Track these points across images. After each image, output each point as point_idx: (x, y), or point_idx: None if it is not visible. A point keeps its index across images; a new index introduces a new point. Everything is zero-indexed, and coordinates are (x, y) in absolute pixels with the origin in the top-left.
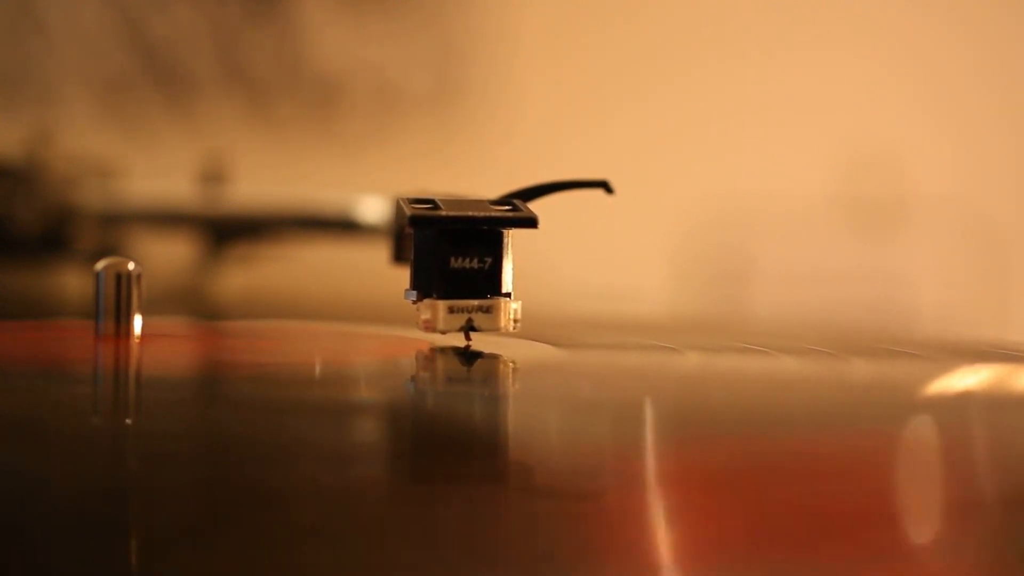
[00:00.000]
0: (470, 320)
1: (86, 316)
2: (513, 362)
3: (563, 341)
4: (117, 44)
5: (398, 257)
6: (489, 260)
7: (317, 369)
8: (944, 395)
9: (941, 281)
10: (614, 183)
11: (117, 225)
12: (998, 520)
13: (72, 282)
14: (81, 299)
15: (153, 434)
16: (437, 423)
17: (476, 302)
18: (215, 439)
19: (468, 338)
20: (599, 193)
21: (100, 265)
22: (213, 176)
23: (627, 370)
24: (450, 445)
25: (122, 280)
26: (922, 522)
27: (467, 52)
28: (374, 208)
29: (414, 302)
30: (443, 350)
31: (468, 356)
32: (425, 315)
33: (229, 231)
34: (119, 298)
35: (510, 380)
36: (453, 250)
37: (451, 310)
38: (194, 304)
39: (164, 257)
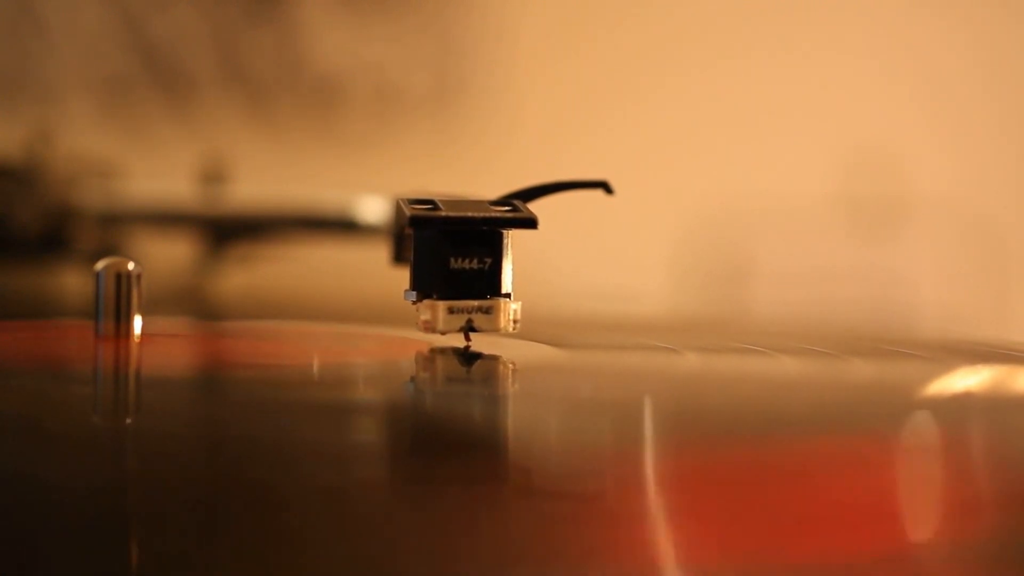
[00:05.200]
0: (470, 321)
1: (86, 316)
2: (513, 363)
3: (563, 341)
4: (117, 44)
5: (398, 257)
6: (489, 261)
7: (317, 369)
8: (944, 395)
9: (941, 281)
10: (614, 183)
11: (117, 225)
12: (998, 520)
13: (72, 282)
14: (81, 299)
15: (153, 434)
16: (437, 424)
17: (476, 303)
18: (215, 439)
19: (468, 339)
20: (599, 193)
21: (100, 265)
22: (213, 176)
23: (627, 370)
24: (450, 446)
25: (122, 280)
26: (922, 522)
27: (467, 52)
28: (374, 208)
29: (414, 302)
30: (443, 351)
31: (468, 357)
32: (425, 316)
33: (229, 231)
34: (119, 298)
35: (509, 381)
36: (453, 250)
37: (451, 311)
38: (194, 304)
39: (164, 257)
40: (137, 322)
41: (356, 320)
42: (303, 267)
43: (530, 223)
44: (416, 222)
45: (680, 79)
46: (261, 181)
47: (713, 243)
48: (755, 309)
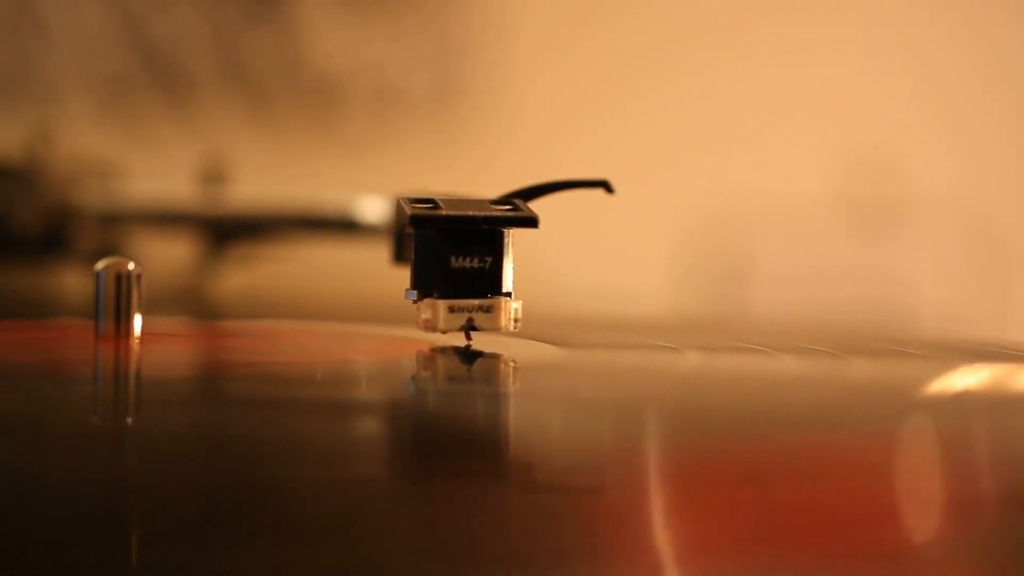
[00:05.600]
0: (470, 319)
1: (86, 316)
2: (513, 362)
3: (563, 341)
4: (117, 44)
5: (398, 257)
6: (489, 260)
7: (317, 369)
8: (944, 395)
9: (941, 281)
10: (614, 183)
11: (117, 225)
12: (998, 520)
13: (72, 282)
14: (81, 299)
15: (153, 434)
16: (437, 422)
17: (476, 302)
18: (215, 439)
19: (468, 338)
20: (599, 193)
21: (100, 265)
22: (213, 176)
23: (627, 370)
24: (450, 444)
25: (122, 280)
26: (922, 522)
27: (467, 52)
28: (374, 208)
29: (414, 302)
30: (443, 350)
31: (468, 355)
32: (425, 315)
33: (229, 231)
34: (119, 298)
35: (510, 379)
36: (453, 250)
37: (451, 309)
38: (194, 304)
39: (164, 257)
40: (137, 322)
41: (356, 320)
42: (303, 267)
43: (531, 222)
44: (417, 221)
45: (680, 79)
46: (261, 181)
47: (713, 243)
48: (755, 309)
